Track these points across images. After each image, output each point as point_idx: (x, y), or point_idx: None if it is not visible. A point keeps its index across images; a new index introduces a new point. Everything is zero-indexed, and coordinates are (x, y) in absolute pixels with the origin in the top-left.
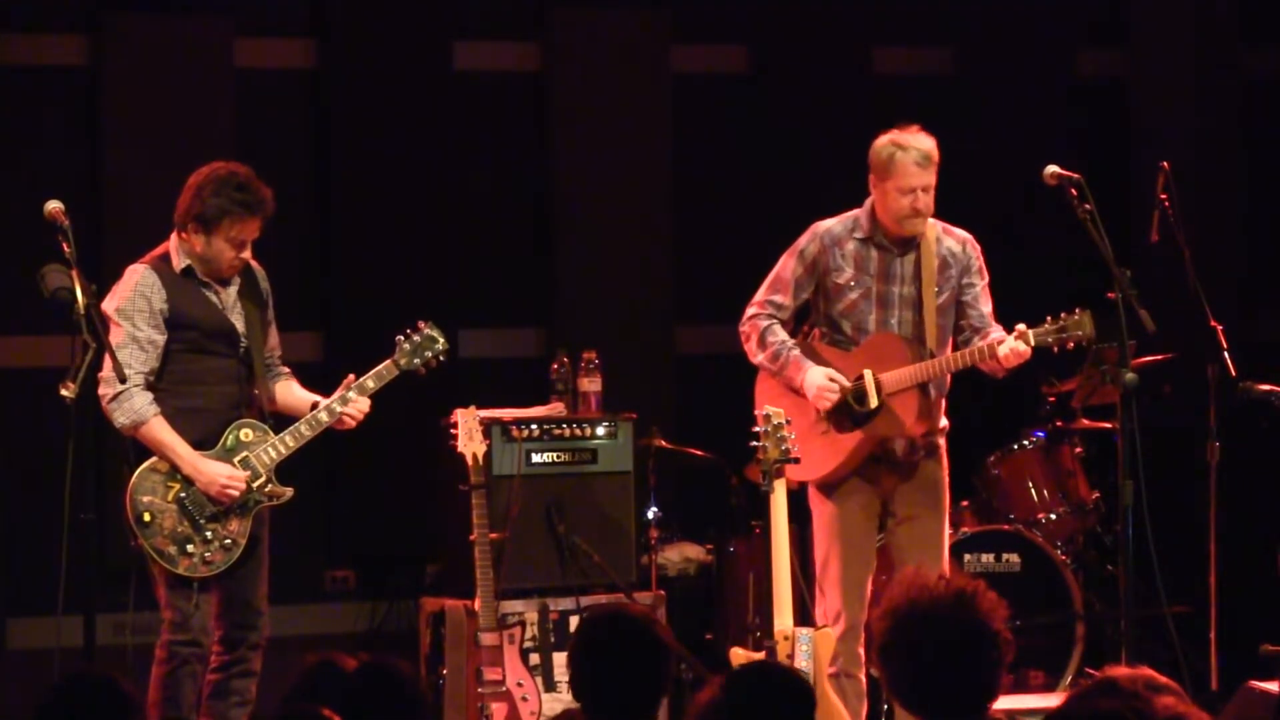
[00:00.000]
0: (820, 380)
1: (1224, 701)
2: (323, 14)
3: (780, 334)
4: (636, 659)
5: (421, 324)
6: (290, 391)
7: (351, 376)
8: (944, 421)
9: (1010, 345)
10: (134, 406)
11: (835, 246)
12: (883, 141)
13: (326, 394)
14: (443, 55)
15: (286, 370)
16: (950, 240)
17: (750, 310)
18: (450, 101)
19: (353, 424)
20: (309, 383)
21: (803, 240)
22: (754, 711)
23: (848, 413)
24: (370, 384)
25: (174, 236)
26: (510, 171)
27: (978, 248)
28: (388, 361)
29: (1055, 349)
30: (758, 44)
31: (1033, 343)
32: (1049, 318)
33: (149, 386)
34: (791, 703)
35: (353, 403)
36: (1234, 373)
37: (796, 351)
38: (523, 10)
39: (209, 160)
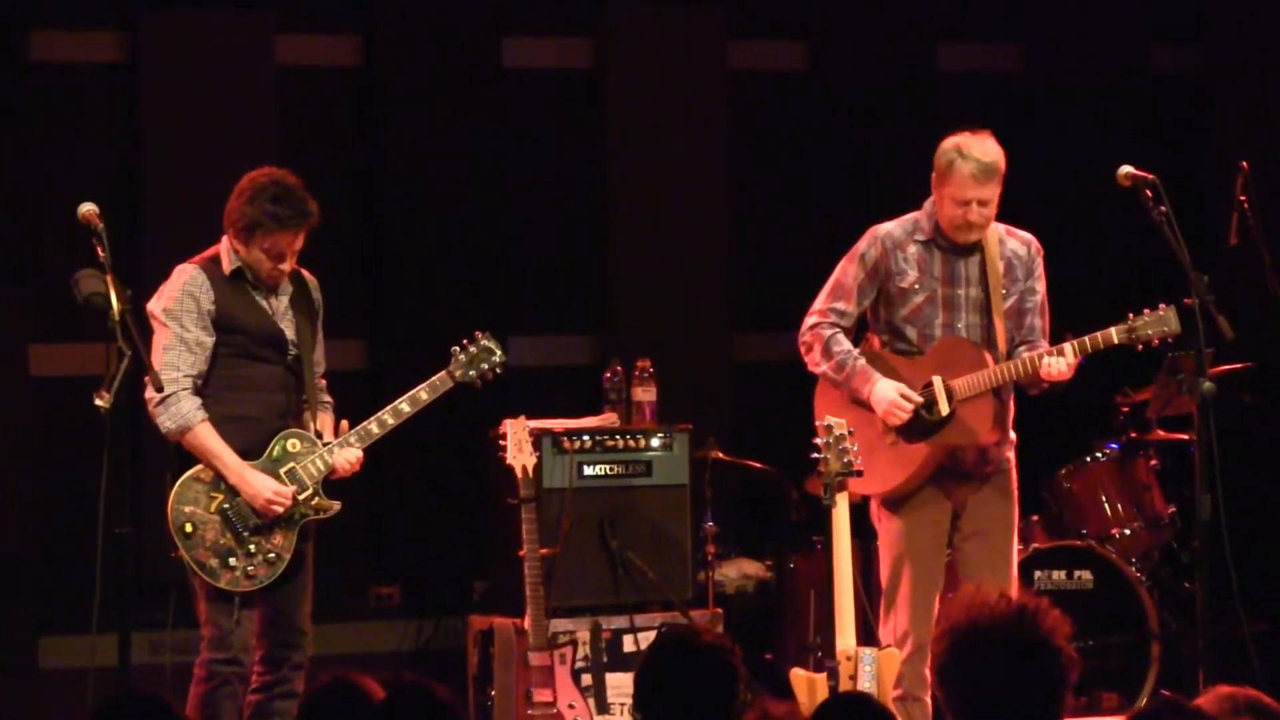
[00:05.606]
0: (891, 395)
1: None
2: (368, 9)
3: (845, 343)
4: (709, 686)
5: (479, 334)
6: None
7: (345, 423)
8: (1012, 435)
9: (1051, 361)
10: (180, 411)
11: (897, 250)
12: (947, 145)
13: (372, 405)
14: (492, 52)
15: (329, 401)
16: (1014, 242)
17: (811, 319)
18: (500, 100)
19: (346, 473)
20: (355, 391)
21: (862, 244)
22: None
23: (916, 422)
24: (424, 395)
25: (225, 238)
26: (562, 172)
27: (1041, 252)
28: (442, 373)
29: (1139, 346)
30: (816, 39)
31: (1116, 340)
32: (1130, 314)
33: (195, 391)
34: None
35: (341, 452)
36: None
37: (863, 361)
38: (575, 5)
39: (250, 160)
